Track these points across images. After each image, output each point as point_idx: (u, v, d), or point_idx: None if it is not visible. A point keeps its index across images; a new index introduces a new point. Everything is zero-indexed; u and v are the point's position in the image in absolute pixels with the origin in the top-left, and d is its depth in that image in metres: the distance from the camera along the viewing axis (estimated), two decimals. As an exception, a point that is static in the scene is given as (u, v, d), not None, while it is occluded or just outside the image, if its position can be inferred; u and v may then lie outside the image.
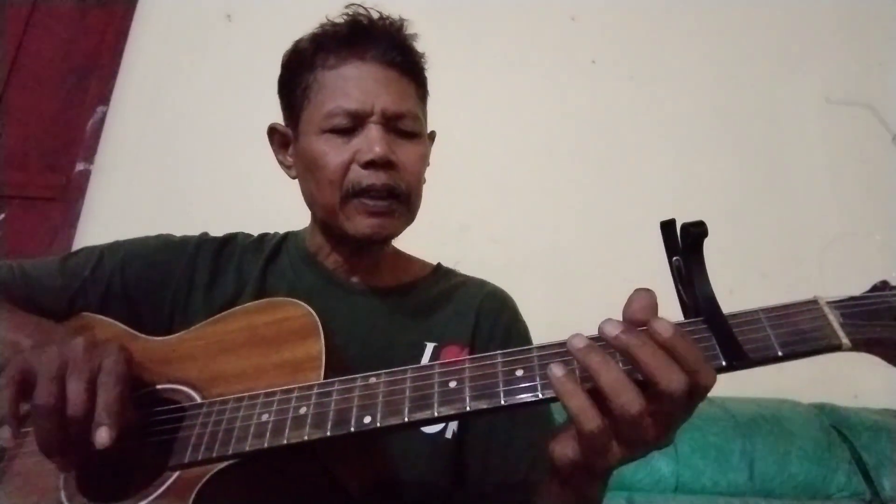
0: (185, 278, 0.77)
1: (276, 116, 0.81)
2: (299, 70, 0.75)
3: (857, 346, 0.44)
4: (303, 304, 0.63)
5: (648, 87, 2.21)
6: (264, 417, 0.53)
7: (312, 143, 0.73)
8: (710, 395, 0.43)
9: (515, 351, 0.50)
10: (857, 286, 0.48)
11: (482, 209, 2.04)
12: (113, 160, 2.07)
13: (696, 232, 0.46)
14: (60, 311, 0.74)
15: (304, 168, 0.76)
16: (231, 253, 0.81)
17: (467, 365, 0.50)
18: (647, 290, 0.47)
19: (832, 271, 1.93)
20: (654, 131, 2.16)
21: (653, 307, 0.46)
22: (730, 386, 1.76)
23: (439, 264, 0.88)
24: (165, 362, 0.63)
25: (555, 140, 2.14)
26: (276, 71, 0.79)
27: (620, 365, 0.44)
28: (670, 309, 0.49)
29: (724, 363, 0.44)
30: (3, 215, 2.01)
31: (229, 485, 0.53)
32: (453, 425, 0.70)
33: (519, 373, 0.48)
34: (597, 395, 0.43)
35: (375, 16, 0.75)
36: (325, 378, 0.55)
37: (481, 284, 0.85)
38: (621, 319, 0.45)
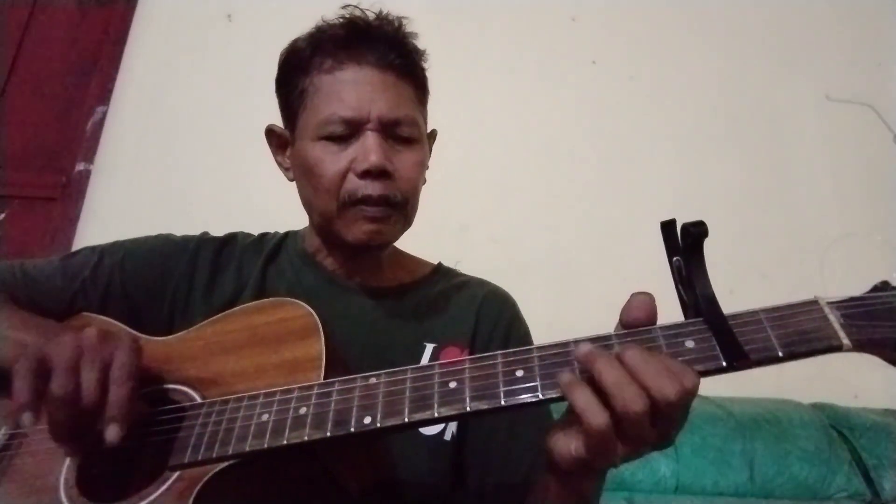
0: (185, 278, 0.77)
1: (276, 116, 0.81)
2: (296, 72, 0.74)
3: (858, 346, 0.44)
4: (303, 304, 0.63)
5: (648, 87, 2.21)
6: (264, 417, 0.53)
7: (309, 150, 0.72)
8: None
9: (515, 351, 0.50)
10: (857, 286, 0.48)
11: (482, 209, 2.04)
12: (113, 160, 2.07)
13: (697, 232, 0.46)
14: (61, 312, 0.74)
15: (301, 173, 0.75)
16: (231, 253, 0.81)
17: (467, 365, 0.50)
18: (646, 293, 0.48)
19: (832, 271, 1.93)
20: (654, 131, 2.16)
21: (651, 310, 0.46)
22: (730, 386, 1.78)
23: (440, 264, 0.88)
24: (165, 362, 0.63)
25: (555, 140, 2.14)
26: (276, 71, 0.79)
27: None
28: (671, 309, 0.49)
29: (724, 363, 0.45)
30: (3, 215, 2.02)
31: (229, 485, 0.53)
32: (452, 427, 0.70)
33: (519, 373, 0.48)
34: (600, 395, 0.44)
35: (373, 17, 0.74)
36: (325, 378, 0.55)
37: (482, 284, 0.84)
38: (619, 322, 0.46)
